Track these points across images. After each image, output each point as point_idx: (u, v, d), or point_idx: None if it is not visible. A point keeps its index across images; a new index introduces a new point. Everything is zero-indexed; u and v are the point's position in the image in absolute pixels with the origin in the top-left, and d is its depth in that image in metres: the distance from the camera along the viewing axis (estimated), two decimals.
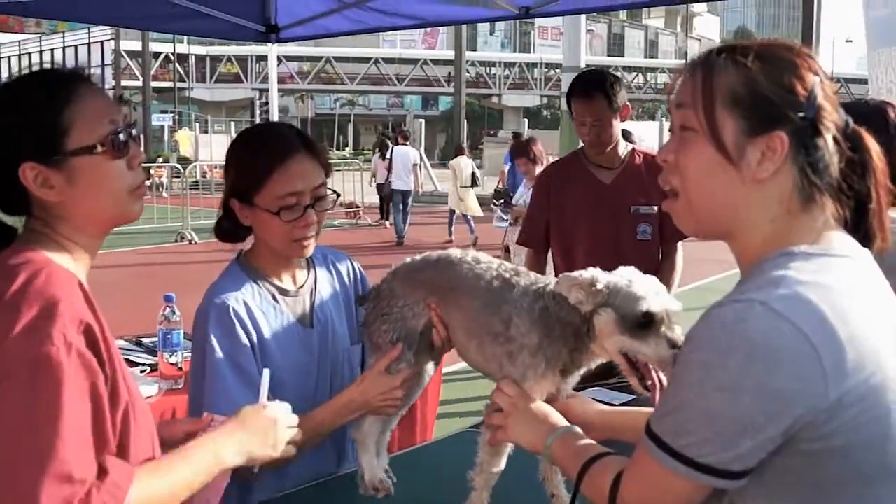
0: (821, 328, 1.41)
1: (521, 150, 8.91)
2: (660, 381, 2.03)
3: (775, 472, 1.47)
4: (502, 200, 9.60)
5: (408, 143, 21.03)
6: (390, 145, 20.76)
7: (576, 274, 2.08)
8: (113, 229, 1.87)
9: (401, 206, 19.83)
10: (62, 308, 1.59)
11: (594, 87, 4.20)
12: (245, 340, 2.47)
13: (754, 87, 1.56)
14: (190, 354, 2.62)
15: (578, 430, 2.03)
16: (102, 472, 1.58)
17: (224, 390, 2.41)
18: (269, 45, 6.23)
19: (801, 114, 1.54)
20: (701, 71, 1.62)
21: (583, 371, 2.27)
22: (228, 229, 2.60)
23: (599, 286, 2.03)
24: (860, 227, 1.61)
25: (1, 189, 1.75)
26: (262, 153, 2.52)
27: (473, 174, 19.68)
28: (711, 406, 1.44)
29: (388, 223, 21.16)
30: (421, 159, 25.36)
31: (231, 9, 5.73)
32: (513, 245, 8.62)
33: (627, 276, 2.07)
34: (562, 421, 2.06)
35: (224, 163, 2.64)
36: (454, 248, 2.48)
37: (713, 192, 1.61)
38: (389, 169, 20.09)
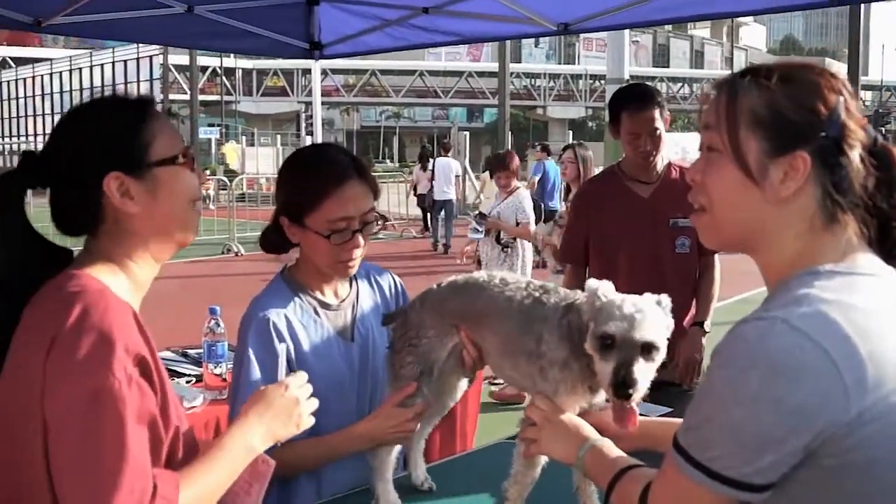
0: (842, 345, 1.44)
1: (500, 163, 8.87)
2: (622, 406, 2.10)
3: (797, 486, 1.49)
4: (478, 212, 9.64)
5: (449, 154, 21.30)
6: (432, 157, 21.04)
7: (589, 284, 2.13)
8: (168, 256, 1.96)
9: (442, 217, 20.18)
10: (118, 342, 1.67)
11: (649, 99, 4.24)
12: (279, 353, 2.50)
13: (776, 109, 1.59)
14: (232, 366, 2.69)
15: (609, 442, 2.07)
16: (154, 487, 1.66)
17: None
18: (314, 61, 6.32)
19: (823, 133, 1.57)
20: (725, 93, 1.66)
21: None
22: (274, 241, 2.68)
23: (597, 302, 2.08)
24: (885, 245, 1.64)
25: (76, 205, 1.84)
26: (316, 176, 2.58)
27: None
28: (734, 420, 1.47)
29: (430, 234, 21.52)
30: (465, 171, 25.78)
31: (276, 27, 5.85)
32: (484, 256, 8.74)
33: (633, 299, 2.10)
34: (593, 433, 2.11)
35: (275, 177, 2.74)
36: (480, 272, 2.51)
37: (738, 210, 1.66)
38: (432, 180, 20.36)
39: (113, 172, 1.80)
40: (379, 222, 2.67)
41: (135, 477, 1.62)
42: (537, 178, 17.31)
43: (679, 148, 18.79)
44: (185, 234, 1.95)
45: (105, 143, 1.82)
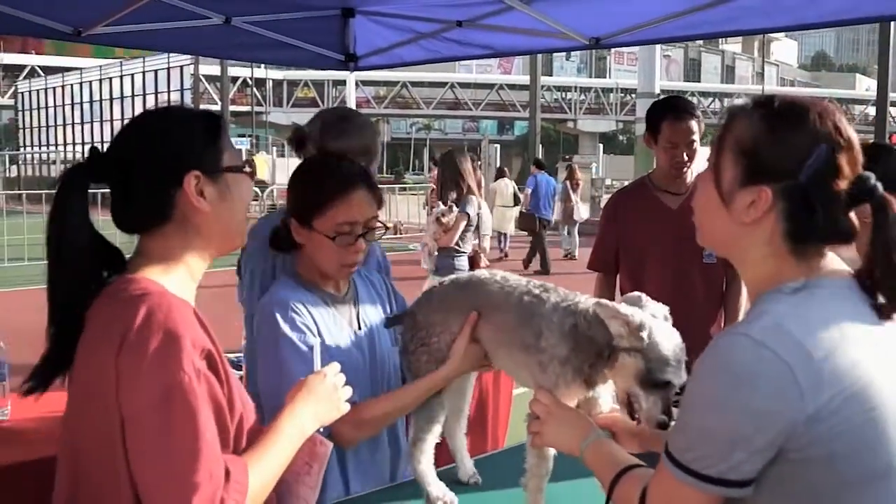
0: (796, 352, 1.58)
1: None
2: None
3: (772, 481, 1.63)
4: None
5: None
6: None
7: (620, 308, 2.21)
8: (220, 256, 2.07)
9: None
10: (184, 339, 1.76)
11: (688, 110, 4.38)
12: (313, 333, 2.66)
13: (756, 142, 1.72)
14: (257, 360, 2.76)
15: (609, 436, 2.23)
16: (226, 472, 1.77)
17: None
18: (349, 72, 6.42)
19: (794, 176, 1.67)
20: (726, 118, 1.80)
21: (606, 384, 2.40)
22: (282, 240, 2.82)
23: (644, 334, 2.17)
24: (875, 294, 1.71)
25: (151, 200, 1.94)
26: (327, 182, 2.72)
27: (515, 194, 21.34)
28: (707, 424, 1.64)
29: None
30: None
31: (312, 39, 5.96)
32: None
33: (664, 331, 2.22)
34: (593, 427, 2.22)
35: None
36: (482, 270, 2.66)
37: (713, 225, 1.83)
38: None
39: (193, 171, 1.92)
40: (382, 230, 2.81)
41: (211, 464, 1.72)
42: (530, 191, 19.61)
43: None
44: (242, 236, 2.08)
45: (189, 144, 1.95)
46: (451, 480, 2.72)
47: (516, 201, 21.01)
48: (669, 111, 4.35)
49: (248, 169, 2.04)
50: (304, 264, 2.81)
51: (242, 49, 6.02)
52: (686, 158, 4.32)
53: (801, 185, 1.67)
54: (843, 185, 1.68)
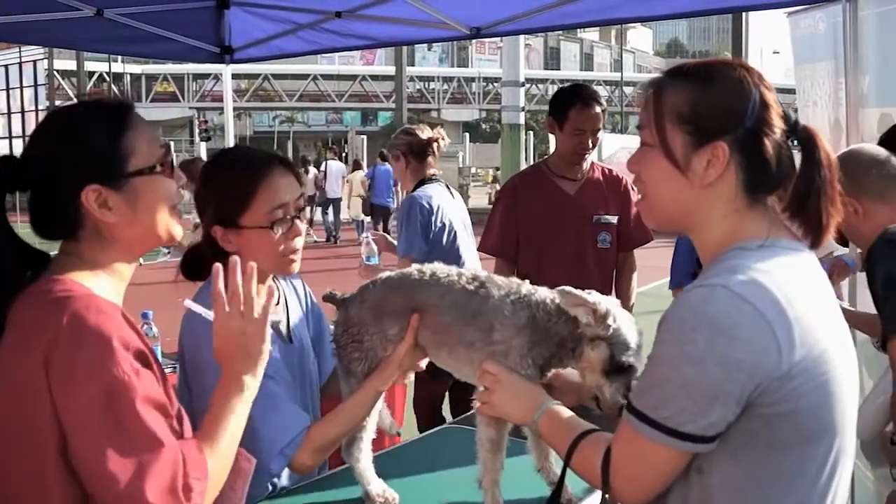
0: (774, 308, 1.63)
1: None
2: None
3: (736, 435, 1.67)
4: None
5: (337, 158, 25.86)
6: (317, 161, 24.94)
7: (586, 296, 2.20)
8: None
9: (331, 211, 24.21)
10: (114, 340, 1.71)
11: (595, 98, 4.52)
12: None
13: (695, 106, 1.77)
14: (186, 374, 2.62)
15: (560, 404, 2.18)
16: (182, 456, 1.74)
17: (273, 399, 2.47)
18: (224, 65, 6.33)
19: (740, 124, 1.74)
20: (653, 93, 1.84)
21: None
22: (201, 263, 2.58)
23: (611, 322, 2.18)
24: (803, 221, 1.80)
25: (54, 213, 1.85)
26: (242, 174, 2.56)
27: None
28: (686, 379, 1.64)
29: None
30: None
31: (186, 31, 5.85)
32: None
33: (625, 316, 2.24)
34: (545, 395, 2.20)
35: (195, 193, 2.65)
36: (412, 267, 2.55)
37: (669, 197, 1.84)
38: (324, 181, 24.01)
39: (91, 185, 1.81)
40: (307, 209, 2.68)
41: (166, 453, 1.69)
42: (369, 182, 22.53)
43: (625, 150, 19.51)
44: (167, 238, 1.96)
45: (84, 156, 1.83)
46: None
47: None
48: (577, 98, 4.44)
49: (159, 168, 1.91)
50: None
51: (116, 42, 5.81)
52: (591, 145, 4.42)
53: (749, 129, 1.74)
54: (777, 121, 1.76)
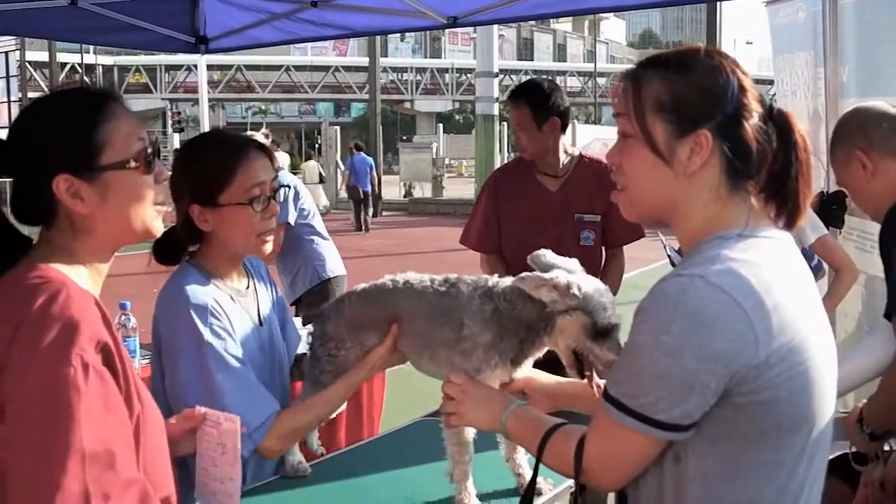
0: (751, 297, 1.63)
1: None
2: (592, 375, 2.30)
3: (713, 423, 1.68)
4: None
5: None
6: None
7: (543, 275, 2.25)
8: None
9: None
10: (81, 329, 1.66)
11: (520, 93, 4.42)
12: (234, 334, 2.57)
13: (676, 94, 1.77)
14: (161, 358, 2.60)
15: (527, 404, 2.19)
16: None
17: (245, 384, 2.53)
18: (199, 55, 6.29)
19: (720, 110, 1.75)
20: (631, 83, 1.83)
21: (532, 360, 2.45)
22: (175, 246, 2.63)
23: (574, 290, 2.22)
24: (783, 205, 1.81)
25: (30, 199, 1.82)
26: (223, 153, 2.62)
27: (320, 174, 28.37)
28: (662, 368, 1.64)
29: None
30: (336, 165, 28.43)
31: (160, 21, 5.81)
32: None
33: (588, 280, 2.29)
34: (510, 398, 2.20)
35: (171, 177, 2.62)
36: (386, 276, 2.62)
37: (651, 188, 1.83)
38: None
39: (62, 174, 1.78)
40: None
41: (85, 466, 1.60)
42: (349, 172, 25.77)
43: (599, 141, 19.61)
44: (144, 234, 1.92)
45: (56, 144, 1.79)
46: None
47: (321, 179, 28.15)
48: (509, 97, 4.47)
49: (133, 164, 1.83)
50: (208, 254, 2.69)
51: (92, 32, 5.77)
52: (525, 141, 4.40)
53: (730, 115, 1.74)
54: (755, 105, 1.77)
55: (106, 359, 1.70)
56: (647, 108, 1.78)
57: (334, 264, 6.32)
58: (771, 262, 1.71)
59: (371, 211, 25.82)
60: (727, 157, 1.75)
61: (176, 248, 2.64)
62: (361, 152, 26.29)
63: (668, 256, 5.08)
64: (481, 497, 2.45)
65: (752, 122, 1.75)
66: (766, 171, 1.78)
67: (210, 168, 2.61)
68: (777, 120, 1.79)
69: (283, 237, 6.02)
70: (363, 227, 24.54)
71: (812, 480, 1.77)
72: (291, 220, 6.12)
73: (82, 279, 1.82)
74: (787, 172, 1.78)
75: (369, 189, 25.45)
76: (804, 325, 1.70)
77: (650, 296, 1.69)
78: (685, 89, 1.76)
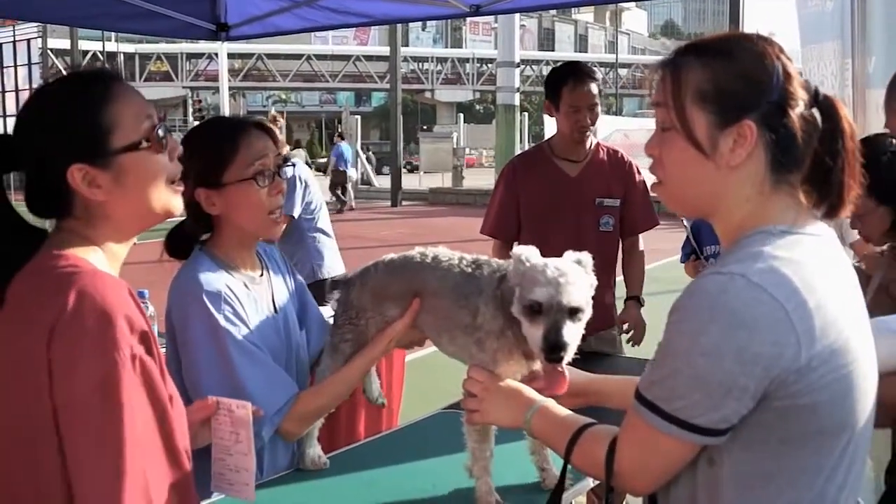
0: (794, 298, 1.55)
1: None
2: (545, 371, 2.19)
3: (749, 428, 1.61)
4: None
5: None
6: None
7: (514, 251, 2.20)
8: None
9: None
10: (120, 321, 1.62)
11: (588, 74, 4.42)
12: (248, 321, 2.56)
13: (718, 83, 1.68)
14: (177, 347, 2.60)
15: (553, 402, 2.10)
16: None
17: (263, 367, 2.54)
18: (220, 43, 6.26)
19: (765, 99, 1.66)
20: (669, 72, 1.74)
21: None
22: (186, 238, 2.66)
23: (521, 268, 2.15)
24: (827, 198, 1.73)
25: (45, 193, 1.78)
26: (223, 134, 2.64)
27: (306, 161, 28.92)
28: (699, 370, 1.57)
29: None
30: (357, 154, 28.97)
31: (182, 8, 5.75)
32: None
33: (556, 262, 2.16)
34: (535, 395, 2.13)
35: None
36: (415, 250, 2.56)
37: (692, 182, 1.74)
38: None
39: (76, 165, 1.73)
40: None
41: (142, 452, 1.61)
42: (335, 159, 28.57)
43: (620, 133, 19.52)
44: (164, 213, 1.88)
45: (66, 134, 1.75)
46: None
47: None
48: (569, 76, 4.38)
49: (146, 144, 1.78)
50: (219, 240, 2.67)
51: (114, 19, 5.74)
52: (589, 122, 4.38)
53: (774, 103, 1.66)
54: (801, 92, 1.68)
55: (146, 346, 1.67)
56: (687, 98, 1.69)
57: (333, 265, 6.33)
58: (815, 261, 1.64)
59: (351, 194, 29.12)
60: (771, 148, 1.67)
61: (187, 240, 2.65)
62: (344, 141, 30.14)
63: (686, 227, 5.04)
64: (501, 491, 2.40)
65: (798, 110, 1.67)
66: (810, 160, 1.70)
67: (212, 151, 2.60)
68: (823, 106, 1.70)
69: (286, 229, 5.95)
70: (344, 208, 27.50)
71: (852, 486, 1.70)
72: (295, 213, 6.16)
73: (101, 265, 1.78)
74: (833, 162, 1.70)
75: (350, 172, 28.88)
76: (846, 326, 1.62)
77: (687, 294, 1.62)
78: (728, 77, 1.67)
